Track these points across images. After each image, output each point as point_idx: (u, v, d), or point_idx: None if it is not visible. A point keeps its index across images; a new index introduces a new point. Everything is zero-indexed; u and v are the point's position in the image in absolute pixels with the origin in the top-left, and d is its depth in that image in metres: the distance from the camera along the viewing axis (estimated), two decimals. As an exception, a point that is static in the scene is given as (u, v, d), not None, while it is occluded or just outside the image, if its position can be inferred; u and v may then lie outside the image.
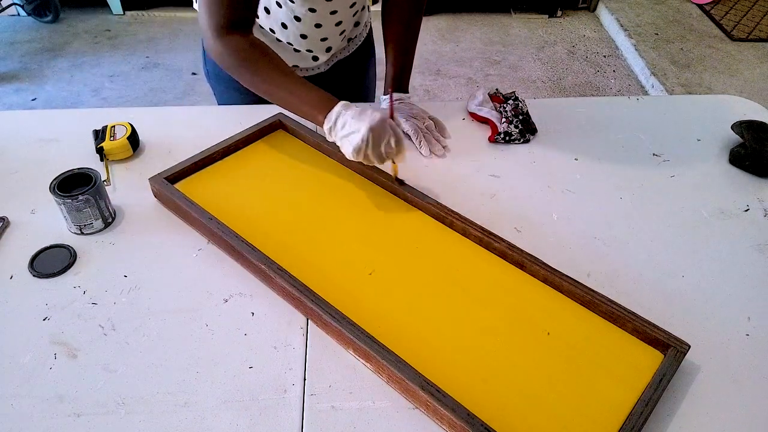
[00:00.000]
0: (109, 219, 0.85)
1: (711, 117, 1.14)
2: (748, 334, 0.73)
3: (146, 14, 3.59)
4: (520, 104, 1.07)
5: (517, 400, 0.64)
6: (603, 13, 3.65)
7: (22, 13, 3.46)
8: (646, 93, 2.93)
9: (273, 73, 0.87)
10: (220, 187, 0.90)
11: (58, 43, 3.25)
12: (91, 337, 0.70)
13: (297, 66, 1.10)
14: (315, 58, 1.09)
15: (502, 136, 1.04)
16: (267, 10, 0.99)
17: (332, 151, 0.95)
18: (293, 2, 0.95)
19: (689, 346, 0.68)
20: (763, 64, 3.00)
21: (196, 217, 0.82)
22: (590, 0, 3.76)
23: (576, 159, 1.02)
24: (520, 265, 0.79)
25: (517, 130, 1.04)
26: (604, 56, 3.28)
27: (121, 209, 0.88)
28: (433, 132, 1.03)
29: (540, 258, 0.77)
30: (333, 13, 1.00)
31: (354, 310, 0.70)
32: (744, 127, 1.03)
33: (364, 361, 0.68)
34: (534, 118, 1.08)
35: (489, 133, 1.07)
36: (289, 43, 1.04)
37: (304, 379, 0.67)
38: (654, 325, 0.69)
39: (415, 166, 0.97)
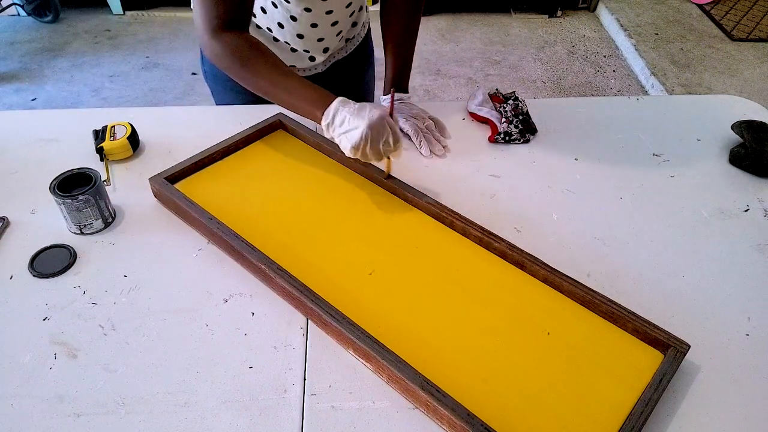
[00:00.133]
0: (109, 219, 0.85)
1: (711, 117, 1.14)
2: (748, 334, 0.73)
3: (146, 14, 3.59)
4: (520, 104, 1.07)
5: (517, 400, 0.64)
6: (603, 13, 3.65)
7: (22, 13, 3.46)
8: (646, 93, 2.93)
9: (270, 71, 0.86)
10: (220, 187, 0.90)
11: (58, 43, 3.25)
12: (91, 337, 0.70)
13: (294, 66, 1.10)
14: (312, 59, 1.09)
15: (502, 136, 1.04)
16: (263, 10, 0.99)
17: (332, 151, 0.95)
18: (288, 2, 0.95)
19: (689, 346, 0.68)
20: (763, 64, 3.00)
21: (196, 217, 0.82)
22: (590, 0, 3.76)
23: (576, 159, 1.02)
24: (520, 265, 0.79)
25: (517, 130, 1.04)
26: (604, 56, 3.28)
27: (121, 209, 0.88)
28: (433, 132, 1.03)
29: (540, 258, 0.77)
30: (329, 13, 1.00)
31: (354, 310, 0.70)
32: (744, 127, 1.03)
33: (364, 361, 0.68)
34: (534, 118, 1.08)
35: (489, 133, 1.07)
36: (286, 43, 1.04)
37: (304, 379, 0.67)
38: (654, 325, 0.69)
39: (415, 166, 0.97)
